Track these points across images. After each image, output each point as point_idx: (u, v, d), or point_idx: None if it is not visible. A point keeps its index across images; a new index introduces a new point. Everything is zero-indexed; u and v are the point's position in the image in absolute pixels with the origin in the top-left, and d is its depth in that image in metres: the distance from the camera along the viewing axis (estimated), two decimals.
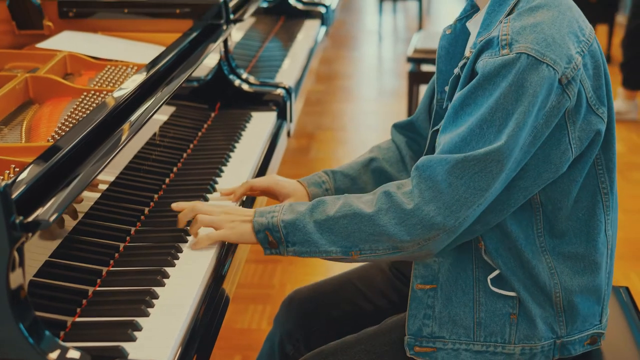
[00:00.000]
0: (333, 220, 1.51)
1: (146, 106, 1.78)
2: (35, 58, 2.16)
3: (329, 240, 1.51)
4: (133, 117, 1.71)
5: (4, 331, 1.20)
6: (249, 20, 3.00)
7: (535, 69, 1.40)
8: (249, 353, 2.82)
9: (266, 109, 2.50)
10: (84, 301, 1.43)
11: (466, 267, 1.57)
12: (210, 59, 2.41)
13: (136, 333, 1.33)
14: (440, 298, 1.58)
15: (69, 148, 1.45)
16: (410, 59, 4.36)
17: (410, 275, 1.61)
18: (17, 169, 1.46)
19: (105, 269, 1.53)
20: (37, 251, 1.34)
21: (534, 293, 1.55)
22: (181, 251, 1.60)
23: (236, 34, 2.81)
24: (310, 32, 3.72)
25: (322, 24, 3.89)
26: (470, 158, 1.42)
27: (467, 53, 1.53)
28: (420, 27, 7.39)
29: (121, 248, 1.61)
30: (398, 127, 1.88)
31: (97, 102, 1.86)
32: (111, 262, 1.56)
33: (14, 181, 1.28)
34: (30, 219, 1.24)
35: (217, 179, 1.96)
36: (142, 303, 1.40)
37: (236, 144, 2.20)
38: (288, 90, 2.56)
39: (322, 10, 3.94)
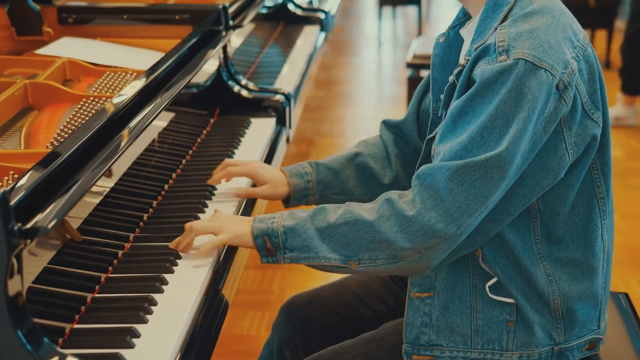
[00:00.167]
0: (334, 227, 1.50)
1: (145, 112, 1.78)
2: (34, 64, 2.16)
3: (329, 247, 1.51)
4: (132, 123, 1.71)
5: (2, 338, 1.20)
6: (248, 26, 3.00)
7: (534, 74, 1.41)
8: (247, 359, 2.82)
9: (265, 115, 2.50)
10: (83, 308, 1.43)
11: (463, 275, 1.57)
12: (210, 65, 2.41)
13: (134, 340, 1.33)
14: (438, 306, 1.58)
15: (67, 154, 1.45)
16: (409, 65, 4.36)
17: (407, 282, 1.60)
18: (16, 176, 1.46)
19: (103, 276, 1.53)
20: (36, 258, 1.34)
21: (533, 300, 1.55)
22: (180, 258, 1.60)
23: (236, 39, 2.81)
24: (309, 38, 3.72)
25: (322, 29, 3.89)
26: (470, 164, 1.42)
27: (461, 61, 1.53)
28: (419, 33, 7.40)
29: (120, 255, 1.61)
30: (387, 125, 1.89)
31: (96, 108, 1.86)
32: (110, 268, 1.56)
33: (13, 188, 1.28)
34: (28, 225, 1.24)
35: (216, 185, 1.96)
36: (140, 310, 1.40)
37: (235, 150, 2.20)
38: (287, 96, 2.56)
39: (321, 16, 3.94)
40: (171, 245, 1.61)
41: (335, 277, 2.02)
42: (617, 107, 5.23)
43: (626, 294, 1.94)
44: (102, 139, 1.60)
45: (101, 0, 2.82)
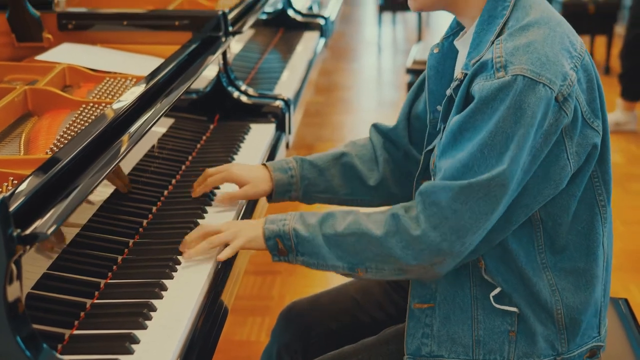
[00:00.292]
0: (341, 237, 1.52)
1: (145, 118, 1.78)
2: (34, 70, 2.16)
3: (336, 255, 1.52)
4: (132, 129, 1.71)
5: (1, 344, 1.20)
6: (248, 32, 3.00)
7: (532, 89, 1.40)
8: None
9: (265, 120, 2.50)
10: (82, 314, 1.43)
11: (464, 285, 1.57)
12: (209, 71, 2.42)
13: (134, 346, 1.33)
14: (439, 317, 1.57)
15: (67, 160, 1.45)
16: (409, 70, 4.37)
17: (408, 292, 1.60)
18: (16, 182, 1.46)
19: (103, 282, 1.53)
20: (35, 263, 1.34)
21: (536, 310, 1.55)
22: (179, 263, 1.60)
23: (235, 45, 2.82)
24: (309, 43, 3.72)
25: (321, 35, 3.89)
26: (474, 184, 1.42)
27: (458, 74, 1.53)
28: (419, 39, 7.40)
29: (119, 260, 1.61)
30: (378, 129, 1.88)
31: (95, 114, 1.87)
32: (109, 274, 1.56)
33: (12, 194, 1.28)
34: (28, 231, 1.24)
35: (216, 191, 1.96)
36: (139, 316, 1.40)
37: (235, 156, 2.21)
38: (287, 102, 2.57)
39: (321, 22, 3.95)
40: (185, 256, 1.61)
41: (335, 283, 2.02)
42: (617, 112, 5.23)
43: (626, 300, 1.94)
44: (102, 144, 1.60)
45: (101, 6, 2.83)
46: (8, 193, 1.27)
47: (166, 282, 1.53)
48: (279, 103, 2.55)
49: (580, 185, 1.53)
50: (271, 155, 2.32)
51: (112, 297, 1.49)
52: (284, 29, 3.82)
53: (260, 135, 2.40)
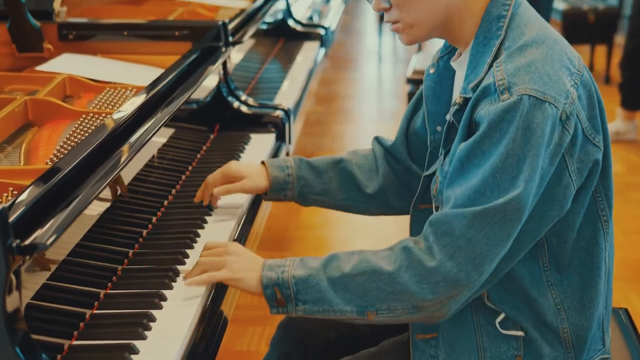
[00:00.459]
0: (349, 278, 1.45)
1: (145, 128, 1.78)
2: (34, 81, 2.17)
3: (343, 299, 1.45)
4: (132, 139, 1.71)
5: (0, 354, 1.20)
6: (248, 42, 3.01)
7: (539, 108, 1.38)
8: None
9: (265, 130, 2.50)
10: (81, 324, 1.43)
11: (465, 313, 1.54)
12: (210, 81, 2.42)
13: (133, 356, 1.33)
14: (444, 347, 1.56)
15: (67, 171, 1.45)
16: (409, 80, 4.37)
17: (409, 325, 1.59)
18: (16, 192, 1.46)
19: (102, 292, 1.53)
20: (35, 274, 1.34)
21: (543, 331, 1.53)
22: (179, 274, 1.60)
23: (236, 55, 2.82)
24: (309, 53, 3.73)
25: (322, 45, 3.90)
26: (490, 209, 1.39)
27: (457, 98, 1.51)
28: (419, 49, 7.41)
29: (119, 271, 1.61)
30: (379, 142, 1.88)
31: (95, 124, 1.87)
32: (109, 284, 1.56)
33: (12, 204, 1.28)
34: (27, 242, 1.24)
35: (218, 202, 1.96)
36: (139, 326, 1.40)
37: None
38: (287, 112, 2.57)
39: (321, 32, 3.95)
40: (187, 277, 1.56)
41: None
42: (617, 122, 5.24)
43: (626, 310, 1.94)
44: (102, 154, 1.60)
45: (101, 16, 2.84)
46: (8, 203, 1.27)
47: (166, 292, 1.52)
48: (279, 113, 2.55)
49: (584, 202, 1.51)
50: None
51: (112, 307, 1.49)
52: (285, 39, 3.83)
53: (260, 145, 2.40)
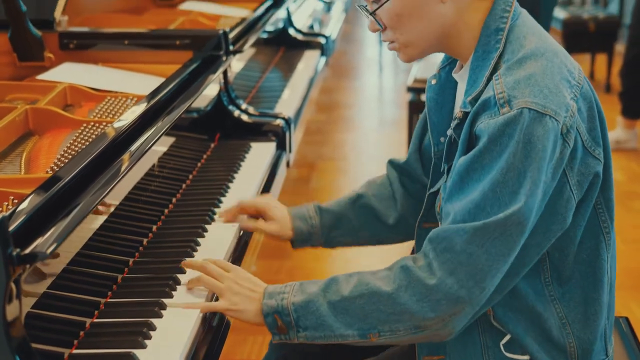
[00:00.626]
0: (348, 301, 1.44)
1: (145, 137, 1.79)
2: (35, 89, 2.17)
3: (344, 323, 1.44)
4: (132, 148, 1.71)
5: None
6: (249, 50, 3.01)
7: (539, 122, 1.37)
8: None
9: (265, 139, 2.51)
10: (81, 333, 1.42)
11: (472, 333, 1.52)
12: (210, 90, 2.42)
13: None
14: None
15: (67, 180, 1.45)
16: (410, 89, 4.38)
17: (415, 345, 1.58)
18: (16, 201, 1.46)
19: (102, 301, 1.53)
20: (35, 283, 1.34)
21: (549, 349, 1.52)
22: (179, 282, 1.60)
23: (237, 64, 2.83)
24: (310, 62, 3.74)
25: (322, 54, 3.91)
26: (490, 224, 1.37)
27: (457, 113, 1.50)
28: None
29: (119, 279, 1.61)
30: (393, 164, 1.87)
31: (96, 133, 1.87)
32: (109, 293, 1.56)
33: (12, 213, 1.28)
34: (27, 251, 1.24)
35: (216, 209, 1.97)
36: (139, 335, 1.40)
37: (235, 175, 2.21)
38: (287, 121, 2.57)
39: (322, 40, 3.96)
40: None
41: None
42: (618, 130, 5.24)
43: (627, 319, 1.93)
44: (103, 163, 1.60)
45: (102, 26, 2.84)
46: (8, 212, 1.27)
47: (166, 301, 1.52)
48: (279, 122, 2.55)
49: (585, 215, 1.50)
50: (271, 174, 2.32)
51: (112, 316, 1.49)
52: (285, 47, 3.84)
53: (260, 153, 2.41)
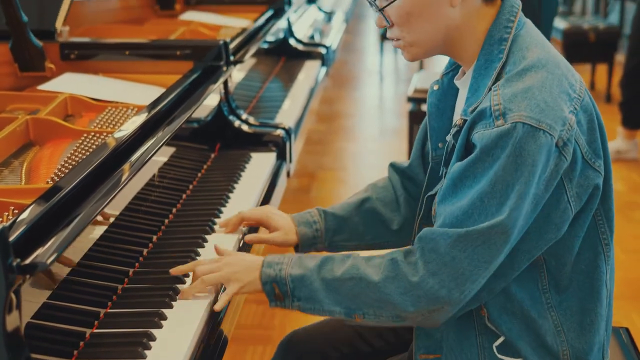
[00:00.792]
0: (339, 282, 1.50)
1: (146, 147, 1.79)
2: (36, 100, 2.18)
3: (333, 300, 1.51)
4: (133, 158, 1.72)
5: None
6: (250, 60, 3.02)
7: (532, 136, 1.38)
8: None
9: (266, 149, 2.51)
10: (82, 343, 1.42)
11: (469, 334, 1.55)
12: (211, 100, 2.43)
13: None
14: None
15: (67, 190, 1.45)
16: (410, 99, 4.38)
17: (413, 334, 1.59)
18: (16, 211, 1.46)
19: (102, 311, 1.53)
20: (35, 293, 1.34)
21: (542, 355, 1.53)
22: (179, 293, 1.60)
23: (237, 74, 2.83)
24: (310, 72, 3.74)
25: (323, 64, 3.92)
26: (472, 232, 1.41)
27: (457, 120, 1.51)
28: (420, 67, 7.43)
29: (119, 290, 1.61)
30: (395, 167, 1.88)
31: (97, 143, 1.87)
32: (109, 303, 1.56)
33: (13, 223, 1.28)
34: (27, 261, 1.24)
35: (216, 219, 1.97)
36: (139, 345, 1.40)
37: (235, 185, 2.21)
38: (287, 131, 2.58)
39: (323, 51, 3.97)
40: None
41: None
42: (618, 140, 5.24)
43: (627, 329, 1.93)
44: (103, 173, 1.60)
45: (103, 36, 2.85)
46: (8, 223, 1.28)
47: (166, 311, 1.52)
48: (279, 132, 2.56)
49: (584, 226, 1.51)
50: (272, 184, 2.32)
51: (112, 326, 1.49)
52: (286, 57, 3.85)
53: (261, 164, 2.41)
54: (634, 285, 3.56)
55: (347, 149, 5.61)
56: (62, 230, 1.36)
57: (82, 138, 1.91)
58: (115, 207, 1.70)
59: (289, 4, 3.92)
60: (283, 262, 1.54)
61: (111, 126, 2.04)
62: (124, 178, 1.63)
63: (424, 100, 4.34)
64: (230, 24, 3.45)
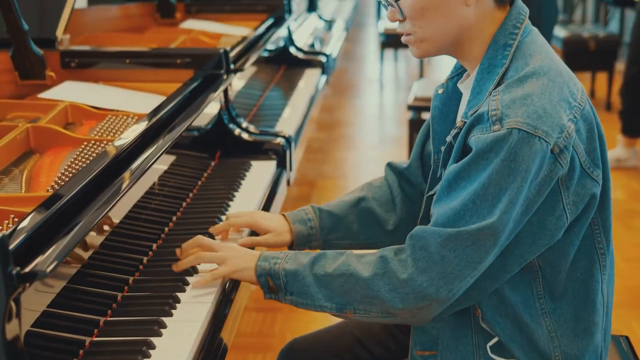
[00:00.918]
0: (331, 277, 1.53)
1: (146, 155, 1.79)
2: (37, 108, 2.18)
3: (325, 296, 1.54)
4: (133, 166, 1.72)
5: None
6: (250, 69, 3.03)
7: (527, 142, 1.40)
8: None
9: (266, 157, 2.51)
10: (81, 352, 1.42)
11: (465, 333, 1.56)
12: (211, 108, 2.43)
13: None
14: None
15: (68, 198, 1.45)
16: (410, 107, 4.39)
17: (410, 336, 1.59)
18: (17, 219, 1.46)
19: (102, 319, 1.53)
20: (35, 301, 1.34)
21: (534, 358, 1.54)
22: (179, 301, 1.60)
23: (238, 82, 2.84)
24: (310, 80, 3.75)
25: (323, 72, 3.92)
26: (463, 233, 1.43)
27: (458, 122, 1.53)
28: (421, 75, 7.44)
29: (119, 298, 1.61)
30: (392, 168, 1.89)
31: (97, 151, 1.88)
32: (109, 312, 1.56)
33: (13, 231, 1.29)
34: (27, 269, 1.24)
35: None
36: (138, 354, 1.40)
37: (235, 193, 2.21)
38: (288, 139, 2.58)
39: (323, 59, 3.98)
40: (174, 267, 1.67)
41: (336, 319, 2.01)
42: (618, 148, 5.25)
43: (627, 337, 1.93)
44: (103, 182, 1.61)
45: (104, 44, 2.86)
46: (8, 231, 1.28)
47: (165, 319, 1.52)
48: (280, 140, 2.56)
49: (579, 234, 1.52)
50: (272, 193, 2.32)
51: (112, 334, 1.49)
52: (286, 66, 3.85)
53: (261, 172, 2.41)
54: (634, 293, 3.55)
55: (347, 157, 5.62)
56: (62, 239, 1.36)
57: (83, 146, 1.91)
58: (115, 215, 1.70)
59: (290, 12, 3.93)
60: (279, 257, 1.59)
61: (111, 134, 2.04)
62: (124, 186, 1.63)
63: (424, 109, 4.35)
64: (230, 32, 3.45)
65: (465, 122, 1.49)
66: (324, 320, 3.24)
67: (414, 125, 4.35)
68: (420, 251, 1.46)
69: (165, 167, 2.06)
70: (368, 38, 10.29)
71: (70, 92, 2.33)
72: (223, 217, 2.03)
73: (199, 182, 2.26)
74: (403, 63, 8.80)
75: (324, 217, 1.83)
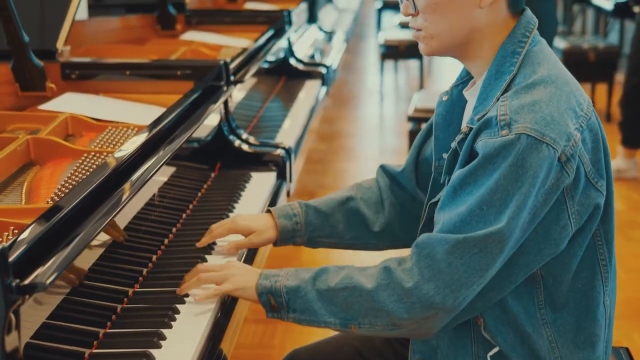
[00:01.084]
0: (334, 292, 1.52)
1: (146, 166, 1.79)
2: (37, 119, 2.18)
3: (328, 311, 1.52)
4: (133, 178, 1.72)
5: None
6: (250, 80, 3.03)
7: (536, 149, 1.40)
8: None
9: (266, 169, 2.52)
10: None
11: (465, 342, 1.55)
12: (211, 120, 2.43)
13: None
14: None
15: (67, 210, 1.46)
16: (410, 118, 4.39)
17: (409, 344, 1.59)
18: (16, 231, 1.47)
19: (102, 331, 1.53)
20: (34, 313, 1.34)
21: None
22: (178, 312, 1.60)
23: (238, 94, 2.84)
24: (311, 92, 3.75)
25: (323, 84, 3.93)
26: (470, 239, 1.42)
27: (463, 128, 1.53)
28: (421, 87, 7.45)
29: (118, 309, 1.61)
30: (385, 171, 1.89)
31: (97, 163, 1.88)
32: (108, 323, 1.56)
33: (12, 243, 1.29)
34: (27, 281, 1.24)
35: (218, 242, 1.96)
36: None
37: (235, 205, 2.21)
38: (287, 151, 2.58)
39: (323, 70, 3.98)
40: (178, 291, 1.64)
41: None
42: (618, 159, 5.25)
43: (627, 349, 1.93)
44: (103, 193, 1.61)
45: (104, 56, 2.86)
46: (8, 243, 1.28)
47: (165, 331, 1.52)
48: (280, 152, 2.56)
49: (582, 245, 1.52)
50: (272, 204, 2.32)
51: (111, 346, 1.48)
52: (286, 77, 3.86)
53: (261, 183, 2.41)
54: (634, 304, 3.55)
55: (347, 168, 5.62)
56: (62, 251, 1.36)
57: (83, 158, 1.92)
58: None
59: (290, 23, 3.94)
60: (279, 274, 1.57)
61: (111, 146, 2.04)
62: (124, 198, 1.63)
63: (424, 120, 4.36)
64: (230, 44, 3.46)
65: (471, 128, 1.49)
66: (324, 332, 3.23)
67: (414, 136, 4.33)
68: (425, 259, 1.45)
69: (165, 179, 2.06)
70: (368, 49, 10.31)
71: (71, 103, 2.34)
72: None
73: (199, 194, 2.26)
74: (403, 74, 8.81)
75: (310, 213, 1.83)
